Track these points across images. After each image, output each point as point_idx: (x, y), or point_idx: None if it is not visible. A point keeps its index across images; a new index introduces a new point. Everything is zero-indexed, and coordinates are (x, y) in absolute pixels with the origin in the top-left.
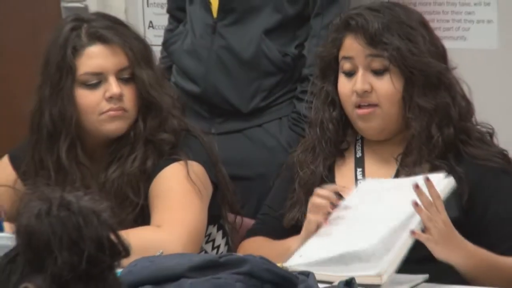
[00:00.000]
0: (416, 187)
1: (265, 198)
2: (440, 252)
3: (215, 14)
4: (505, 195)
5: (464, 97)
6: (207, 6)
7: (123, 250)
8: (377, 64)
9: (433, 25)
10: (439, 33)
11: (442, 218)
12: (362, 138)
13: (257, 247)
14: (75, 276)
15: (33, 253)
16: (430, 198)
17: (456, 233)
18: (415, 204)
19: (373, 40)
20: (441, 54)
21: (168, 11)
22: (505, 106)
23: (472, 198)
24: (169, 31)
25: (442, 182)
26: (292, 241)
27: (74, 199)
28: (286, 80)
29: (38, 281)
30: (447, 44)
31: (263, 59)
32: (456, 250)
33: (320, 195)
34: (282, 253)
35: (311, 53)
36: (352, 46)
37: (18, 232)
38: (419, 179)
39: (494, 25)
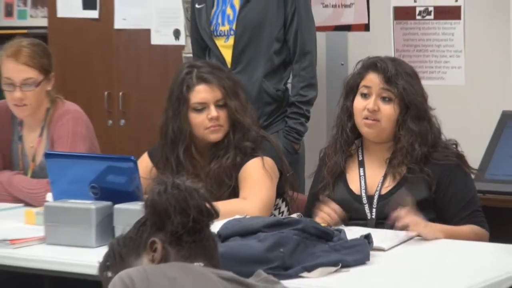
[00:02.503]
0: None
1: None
2: (426, 234)
3: (229, 65)
4: (458, 183)
5: (437, 126)
6: (222, 60)
7: (215, 213)
8: (386, 94)
9: (423, 69)
10: (427, 75)
11: (420, 223)
12: (363, 146)
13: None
14: (185, 231)
15: (157, 218)
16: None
17: (429, 223)
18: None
19: (389, 80)
20: (425, 97)
21: (195, 54)
22: (470, 118)
23: (437, 186)
24: None
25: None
26: None
27: (182, 182)
28: (279, 107)
29: (161, 236)
30: (432, 82)
31: (263, 94)
32: (434, 231)
33: (323, 211)
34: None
35: (294, 87)
36: (372, 80)
37: (146, 205)
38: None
39: (462, 70)
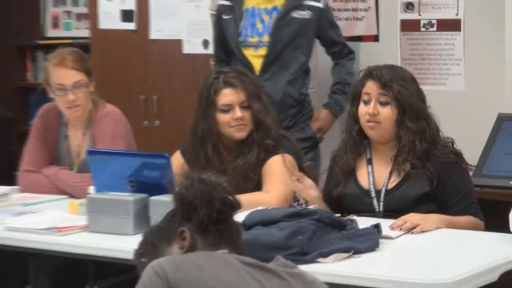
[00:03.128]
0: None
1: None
2: (429, 227)
3: (257, 72)
4: (456, 178)
5: (435, 124)
6: (249, 66)
7: (237, 205)
8: (383, 98)
9: (427, 76)
10: (430, 81)
11: (424, 221)
12: (370, 146)
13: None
14: (210, 221)
15: (185, 210)
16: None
17: (430, 215)
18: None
19: (384, 85)
20: (422, 98)
21: (219, 58)
22: (469, 120)
23: (437, 181)
24: None
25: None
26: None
27: (207, 177)
28: (301, 109)
29: (189, 226)
30: (435, 87)
31: (288, 98)
32: (434, 221)
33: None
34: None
35: (338, 73)
36: (370, 87)
37: (175, 198)
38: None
39: (462, 76)
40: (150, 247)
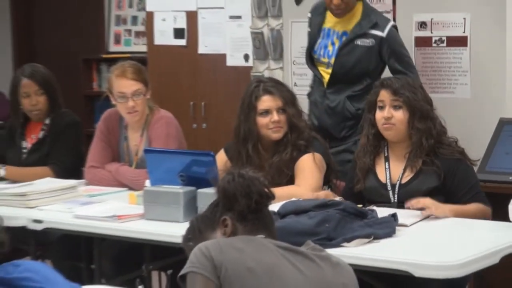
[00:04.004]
0: (420, 208)
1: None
2: (438, 214)
3: (326, 85)
4: (461, 173)
5: (440, 124)
6: (321, 81)
7: (272, 196)
8: (396, 103)
9: (438, 85)
10: (440, 90)
11: (433, 205)
12: (387, 145)
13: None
14: (249, 211)
15: (227, 201)
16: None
17: (440, 204)
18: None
19: (395, 92)
20: (428, 101)
21: (308, 64)
22: (474, 124)
23: (445, 176)
24: (310, 87)
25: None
26: None
27: (245, 172)
28: (357, 122)
29: (230, 215)
30: (444, 95)
31: (346, 111)
32: (444, 210)
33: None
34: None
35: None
36: (384, 95)
37: (218, 190)
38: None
39: (468, 86)
40: (197, 233)
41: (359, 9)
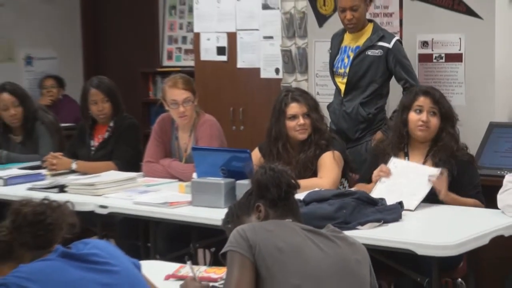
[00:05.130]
0: (431, 175)
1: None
2: (443, 197)
3: (343, 95)
4: (470, 173)
5: (457, 132)
6: (339, 91)
7: (298, 186)
8: (434, 110)
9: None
10: None
11: (443, 183)
12: (408, 143)
13: (360, 187)
14: (279, 198)
15: (260, 190)
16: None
17: (449, 192)
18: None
19: (436, 101)
20: (453, 111)
21: (333, 80)
22: (469, 127)
23: (457, 174)
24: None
25: (436, 171)
26: (371, 185)
27: (275, 166)
28: (369, 125)
29: (263, 202)
30: None
31: (359, 116)
32: (448, 195)
33: (382, 170)
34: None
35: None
36: (424, 101)
37: (252, 181)
38: (431, 169)
39: (463, 95)
40: (235, 217)
41: (370, 28)
